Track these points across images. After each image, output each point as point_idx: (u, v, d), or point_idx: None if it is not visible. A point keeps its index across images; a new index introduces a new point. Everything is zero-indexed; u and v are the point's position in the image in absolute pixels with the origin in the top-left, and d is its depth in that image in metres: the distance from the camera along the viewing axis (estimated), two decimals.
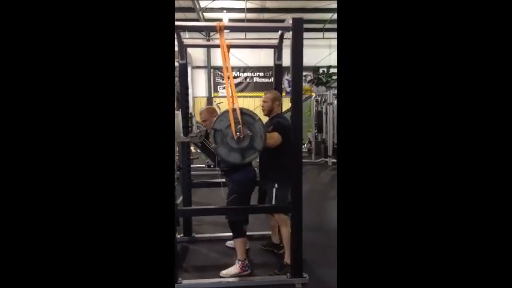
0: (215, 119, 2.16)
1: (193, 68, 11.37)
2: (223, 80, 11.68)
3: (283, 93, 2.39)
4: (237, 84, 11.55)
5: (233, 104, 2.14)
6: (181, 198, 3.18)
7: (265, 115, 2.69)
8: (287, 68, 1.41)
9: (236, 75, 11.40)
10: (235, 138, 2.06)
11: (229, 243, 3.04)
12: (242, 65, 11.28)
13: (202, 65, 11.63)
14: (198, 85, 11.68)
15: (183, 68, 3.14)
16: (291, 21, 2.27)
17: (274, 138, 2.43)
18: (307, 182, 3.27)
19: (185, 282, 2.39)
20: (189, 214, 2.84)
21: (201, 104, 11.36)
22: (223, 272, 2.56)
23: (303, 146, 8.01)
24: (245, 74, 11.47)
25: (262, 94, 3.01)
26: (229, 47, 3.08)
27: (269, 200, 2.58)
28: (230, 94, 2.20)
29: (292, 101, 2.31)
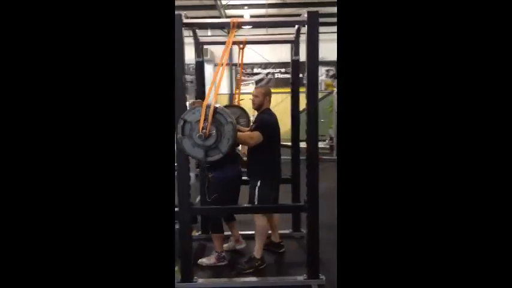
0: (188, 110, 2.11)
1: (215, 65, 11.39)
2: (244, 76, 11.67)
3: (303, 89, 2.32)
4: (258, 81, 11.50)
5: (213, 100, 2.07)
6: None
7: (255, 109, 2.67)
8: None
9: (257, 72, 11.35)
10: (198, 135, 2.00)
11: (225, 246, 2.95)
12: (263, 61, 11.19)
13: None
14: (221, 82, 11.70)
15: (200, 66, 3.13)
16: (306, 15, 2.21)
17: (254, 138, 2.41)
18: (326, 179, 3.19)
19: (200, 281, 2.38)
20: (200, 213, 2.82)
21: (224, 101, 11.38)
22: (201, 260, 2.69)
23: (325, 143, 7.91)
24: (266, 70, 11.39)
25: (283, 90, 2.97)
26: (245, 43, 3.05)
27: (252, 198, 2.54)
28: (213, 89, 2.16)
29: (307, 97, 2.24)
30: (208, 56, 10.60)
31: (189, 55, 2.68)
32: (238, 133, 2.34)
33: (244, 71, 11.60)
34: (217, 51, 11.27)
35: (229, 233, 2.96)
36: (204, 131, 1.97)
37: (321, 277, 2.36)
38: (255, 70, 11.48)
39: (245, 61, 12.24)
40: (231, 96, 11.42)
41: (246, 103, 2.75)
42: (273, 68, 11.41)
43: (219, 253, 2.69)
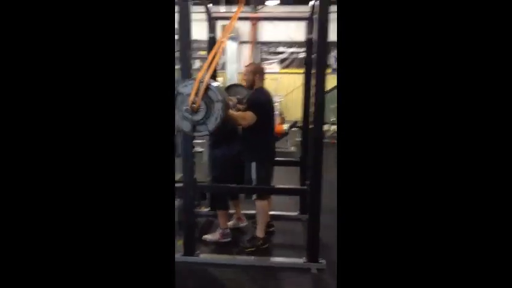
0: (182, 81, 2.09)
1: (240, 43, 11.27)
2: (268, 55, 11.49)
3: (329, 70, 2.21)
4: (282, 60, 11.30)
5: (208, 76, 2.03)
6: None
7: (248, 88, 2.62)
8: (334, 43, 1.24)
9: (281, 51, 11.13)
10: (185, 108, 1.98)
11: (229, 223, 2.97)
12: (288, 40, 10.95)
13: (249, 40, 11.46)
14: (244, 60, 11.57)
15: (212, 42, 3.08)
16: None
17: (247, 118, 2.36)
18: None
19: (202, 256, 2.44)
20: (203, 189, 2.86)
21: None
22: (205, 236, 2.75)
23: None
24: (291, 49, 11.14)
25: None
26: (258, 19, 2.97)
27: (248, 179, 2.53)
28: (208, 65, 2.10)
29: (315, 77, 2.17)
30: (233, 34, 10.50)
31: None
32: (231, 112, 2.32)
33: (267, 49, 11.40)
34: (243, 28, 11.12)
35: (234, 211, 2.99)
36: (194, 105, 1.96)
37: (320, 261, 2.35)
38: (279, 49, 11.27)
39: (269, 39, 12.00)
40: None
41: (268, 82, 2.68)
42: (297, 47, 11.14)
43: (224, 230, 2.74)
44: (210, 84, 2.02)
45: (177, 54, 2.22)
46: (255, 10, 10.45)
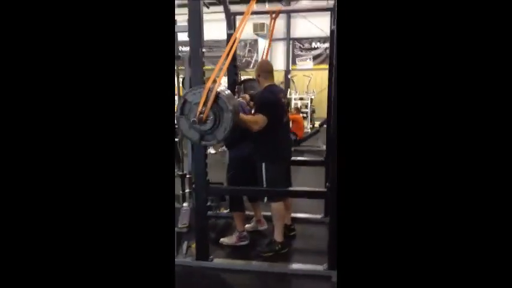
0: (190, 89, 1.99)
1: (272, 40, 11.14)
2: (302, 51, 11.26)
3: None
4: (316, 56, 11.03)
5: (216, 84, 1.94)
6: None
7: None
8: None
9: (316, 46, 10.85)
10: (192, 119, 1.88)
11: (248, 226, 2.88)
12: (323, 35, 10.65)
13: (282, 36, 11.31)
14: (276, 58, 11.45)
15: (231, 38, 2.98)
16: None
17: (259, 122, 2.23)
18: None
19: (216, 260, 2.35)
20: (216, 192, 2.74)
21: (279, 78, 11.17)
22: (222, 239, 2.66)
23: None
24: (325, 45, 10.82)
25: None
26: (278, 13, 2.83)
27: (260, 180, 2.40)
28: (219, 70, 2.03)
29: (334, 72, 2.01)
30: (265, 31, 10.40)
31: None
32: (242, 117, 2.20)
33: (301, 45, 11.18)
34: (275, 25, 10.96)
35: (253, 213, 2.88)
36: (201, 115, 1.85)
37: None
38: (314, 45, 11.00)
39: (303, 35, 11.86)
40: (287, 72, 11.13)
41: (300, 79, 2.51)
42: None
43: (240, 233, 2.64)
44: (219, 93, 1.92)
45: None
46: (288, 4, 10.26)
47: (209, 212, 3.19)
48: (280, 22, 11.14)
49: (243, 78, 3.67)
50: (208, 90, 1.89)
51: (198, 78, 2.11)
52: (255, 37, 11.03)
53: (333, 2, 2.65)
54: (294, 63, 11.43)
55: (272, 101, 2.34)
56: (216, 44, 8.53)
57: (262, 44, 10.96)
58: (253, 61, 11.51)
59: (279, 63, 11.51)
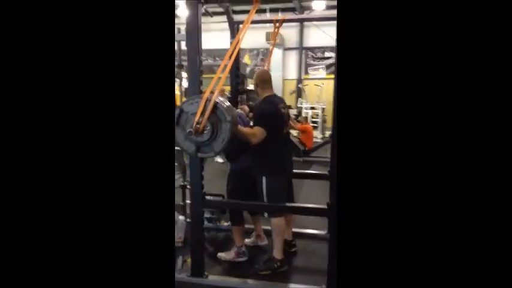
0: (187, 99, 1.91)
1: (284, 49, 11.10)
2: (314, 60, 11.17)
3: None
4: (329, 66, 10.90)
5: (214, 93, 1.85)
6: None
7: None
8: None
9: (328, 56, 10.74)
10: (189, 130, 1.80)
11: (248, 241, 2.79)
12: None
13: (294, 46, 11.25)
14: (288, 67, 11.38)
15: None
16: None
17: (257, 135, 2.14)
18: None
19: (211, 277, 2.25)
20: (212, 205, 2.68)
21: (291, 87, 11.08)
22: (220, 254, 2.57)
23: None
24: None
25: None
26: (282, 22, 2.76)
27: (260, 194, 2.30)
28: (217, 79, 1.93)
29: (335, 81, 1.91)
30: (278, 40, 10.37)
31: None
32: (241, 129, 2.12)
33: (314, 55, 11.08)
34: (288, 34, 10.94)
35: (253, 226, 2.78)
36: (198, 126, 1.77)
37: None
38: (326, 54, 10.89)
39: (316, 44, 11.73)
40: (299, 82, 11.03)
41: (311, 89, 2.43)
42: None
43: (239, 248, 2.54)
44: (217, 103, 1.84)
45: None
46: (301, 13, 10.21)
47: (209, 225, 3.14)
48: (293, 31, 11.10)
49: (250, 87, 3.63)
50: (206, 100, 1.82)
51: (195, 87, 2.04)
52: (268, 46, 11.01)
53: None
54: (306, 72, 11.33)
55: (271, 112, 2.26)
56: (220, 53, 8.52)
57: (275, 53, 10.93)
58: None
59: (291, 73, 11.43)
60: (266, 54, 11.45)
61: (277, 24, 2.71)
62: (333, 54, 10.88)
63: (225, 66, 2.00)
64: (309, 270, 2.49)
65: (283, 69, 11.12)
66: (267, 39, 10.36)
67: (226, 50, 2.02)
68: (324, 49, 10.91)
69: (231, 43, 2.92)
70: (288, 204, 2.36)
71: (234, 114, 1.94)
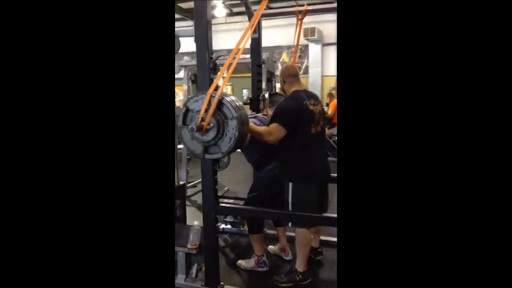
0: (192, 96, 1.78)
1: (323, 45, 10.76)
2: None
3: None
4: None
5: (220, 88, 1.70)
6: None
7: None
8: None
9: None
10: (191, 126, 1.65)
11: (271, 248, 2.62)
12: None
13: (334, 41, 10.86)
14: (328, 63, 11.01)
15: (256, 43, 2.76)
16: None
17: (273, 133, 1.91)
18: None
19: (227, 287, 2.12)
20: (225, 212, 2.54)
21: (330, 84, 10.71)
22: (239, 262, 2.44)
23: None
24: None
25: None
26: (305, 12, 2.56)
27: (285, 202, 2.06)
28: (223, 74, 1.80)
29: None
30: (316, 36, 10.06)
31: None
32: (253, 127, 1.93)
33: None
34: (327, 30, 10.58)
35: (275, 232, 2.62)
36: (203, 123, 1.63)
37: None
38: None
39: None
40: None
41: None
42: None
43: (259, 257, 2.38)
44: (223, 98, 1.69)
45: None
46: None
47: (232, 229, 3.02)
48: (332, 26, 10.71)
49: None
50: (211, 96, 1.69)
51: (205, 85, 1.91)
52: (306, 42, 10.74)
53: None
54: None
55: (293, 108, 1.99)
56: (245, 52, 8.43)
57: (313, 49, 10.63)
58: (303, 67, 11.21)
59: (330, 69, 11.06)
60: (304, 51, 11.20)
61: (300, 16, 2.51)
62: None
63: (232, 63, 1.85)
64: (333, 283, 2.28)
65: (322, 66, 10.79)
66: (305, 35, 10.10)
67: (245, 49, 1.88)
68: None
69: (252, 39, 2.79)
70: (312, 214, 2.07)
71: (244, 112, 1.78)
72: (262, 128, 2.01)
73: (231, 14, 9.99)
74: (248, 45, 2.79)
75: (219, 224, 3.10)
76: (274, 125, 1.95)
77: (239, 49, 1.75)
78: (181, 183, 3.04)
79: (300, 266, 2.18)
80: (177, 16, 2.89)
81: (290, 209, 2.06)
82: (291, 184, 2.05)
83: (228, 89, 9.20)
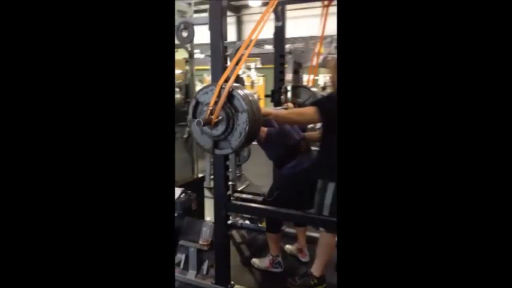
0: (202, 87, 1.66)
1: None
2: None
3: None
4: None
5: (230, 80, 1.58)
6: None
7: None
8: None
9: None
10: (197, 120, 1.54)
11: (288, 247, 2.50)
12: None
13: None
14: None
15: (279, 33, 2.63)
16: None
17: (305, 114, 1.76)
18: None
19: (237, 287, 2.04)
20: (237, 210, 2.41)
21: None
22: (254, 260, 2.36)
23: None
24: None
25: None
26: (329, 5, 2.39)
27: (319, 201, 1.88)
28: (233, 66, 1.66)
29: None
30: None
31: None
32: (279, 112, 1.81)
33: None
34: None
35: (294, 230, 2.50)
36: (211, 116, 1.52)
37: None
38: None
39: None
40: None
41: None
42: None
43: (274, 257, 2.28)
44: (233, 90, 1.59)
45: None
46: None
47: (250, 225, 2.94)
48: None
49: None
50: (221, 88, 1.58)
51: (217, 76, 1.81)
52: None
53: None
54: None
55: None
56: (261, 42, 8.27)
57: None
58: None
59: None
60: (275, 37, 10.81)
61: (326, 3, 2.35)
62: None
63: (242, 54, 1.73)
64: None
65: None
66: (277, 19, 9.69)
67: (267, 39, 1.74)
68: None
69: (276, 27, 2.65)
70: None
71: (254, 104, 1.66)
72: (292, 110, 1.91)
73: (266, 3, 9.82)
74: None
75: (237, 219, 3.06)
76: (310, 108, 1.79)
77: (251, 40, 1.63)
78: (200, 175, 2.98)
79: (316, 270, 2.06)
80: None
81: (327, 212, 1.86)
82: (333, 184, 1.84)
83: (260, 81, 9.08)
